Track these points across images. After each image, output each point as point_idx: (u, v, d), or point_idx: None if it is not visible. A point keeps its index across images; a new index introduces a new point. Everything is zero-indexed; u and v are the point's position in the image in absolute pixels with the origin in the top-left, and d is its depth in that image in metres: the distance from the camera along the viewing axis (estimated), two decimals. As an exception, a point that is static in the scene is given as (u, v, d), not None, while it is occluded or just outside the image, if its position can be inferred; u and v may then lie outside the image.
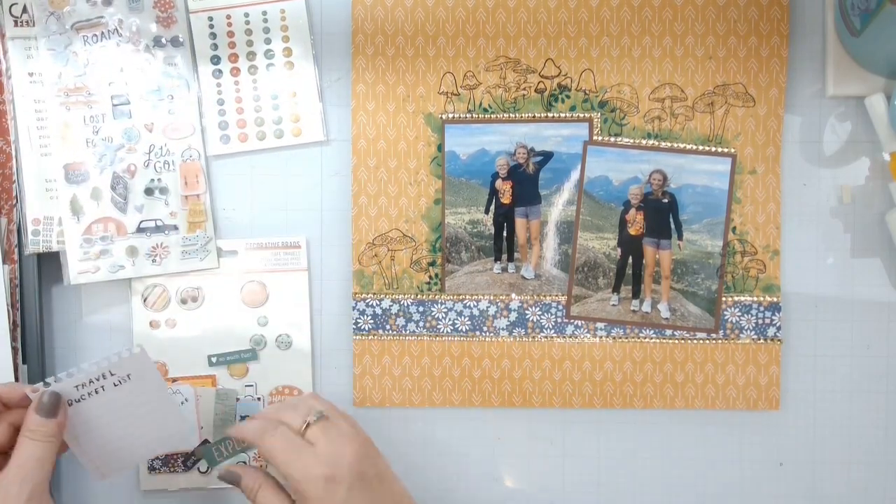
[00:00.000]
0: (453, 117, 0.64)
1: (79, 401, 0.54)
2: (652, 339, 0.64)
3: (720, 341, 0.64)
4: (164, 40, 0.64)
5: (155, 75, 0.64)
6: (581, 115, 0.64)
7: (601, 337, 0.65)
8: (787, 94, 0.64)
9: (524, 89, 0.64)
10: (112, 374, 0.53)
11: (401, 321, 0.65)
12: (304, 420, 0.54)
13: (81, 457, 0.56)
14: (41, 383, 0.53)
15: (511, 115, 0.64)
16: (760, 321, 0.64)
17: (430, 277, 0.65)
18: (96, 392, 0.54)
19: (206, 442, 0.65)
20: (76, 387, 0.53)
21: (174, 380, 0.65)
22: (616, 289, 0.64)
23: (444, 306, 0.65)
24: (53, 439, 0.52)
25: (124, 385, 0.54)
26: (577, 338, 0.65)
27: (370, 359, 0.65)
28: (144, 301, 0.65)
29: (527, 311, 0.65)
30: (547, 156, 0.64)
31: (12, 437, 0.53)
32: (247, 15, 0.64)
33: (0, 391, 0.53)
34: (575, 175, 0.64)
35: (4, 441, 0.53)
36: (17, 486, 0.50)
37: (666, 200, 0.64)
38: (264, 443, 0.53)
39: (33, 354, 0.62)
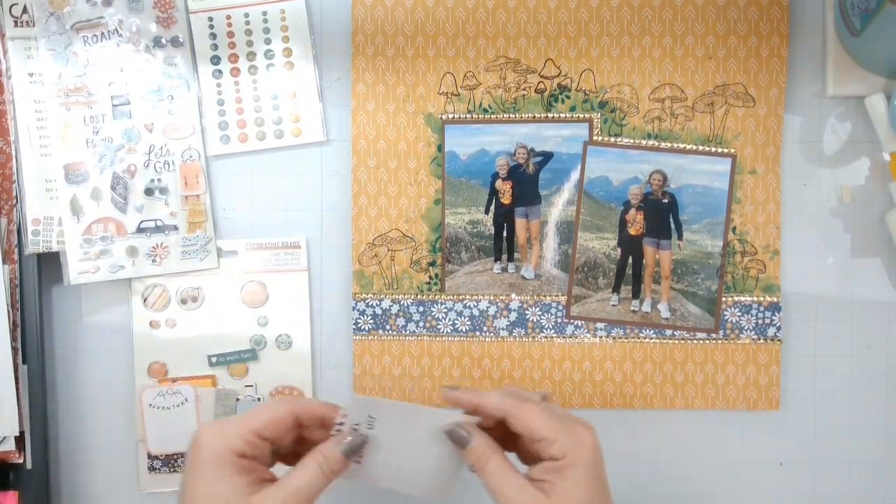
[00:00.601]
0: (453, 117, 0.64)
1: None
2: (652, 339, 0.64)
3: (720, 341, 0.64)
4: (164, 40, 0.64)
5: (155, 75, 0.64)
6: (581, 116, 0.64)
7: (601, 337, 0.65)
8: (787, 94, 0.64)
9: (524, 89, 0.64)
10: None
11: (401, 321, 0.65)
12: (542, 396, 0.51)
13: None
14: (344, 407, 0.49)
15: (511, 115, 0.64)
16: (760, 321, 0.64)
17: (430, 277, 0.65)
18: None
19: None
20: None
21: (174, 380, 0.65)
22: (616, 289, 0.64)
23: (444, 306, 0.65)
24: (335, 476, 0.48)
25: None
26: (577, 338, 0.65)
27: (370, 359, 0.65)
28: (144, 301, 0.65)
29: (527, 312, 0.65)
30: (547, 156, 0.64)
31: (298, 445, 0.50)
32: (247, 15, 0.64)
33: (298, 411, 0.49)
34: (575, 175, 0.64)
35: (289, 444, 0.50)
36: None
37: (666, 200, 0.64)
38: (520, 410, 0.49)
39: (33, 354, 0.62)
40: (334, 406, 0.50)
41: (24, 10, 0.62)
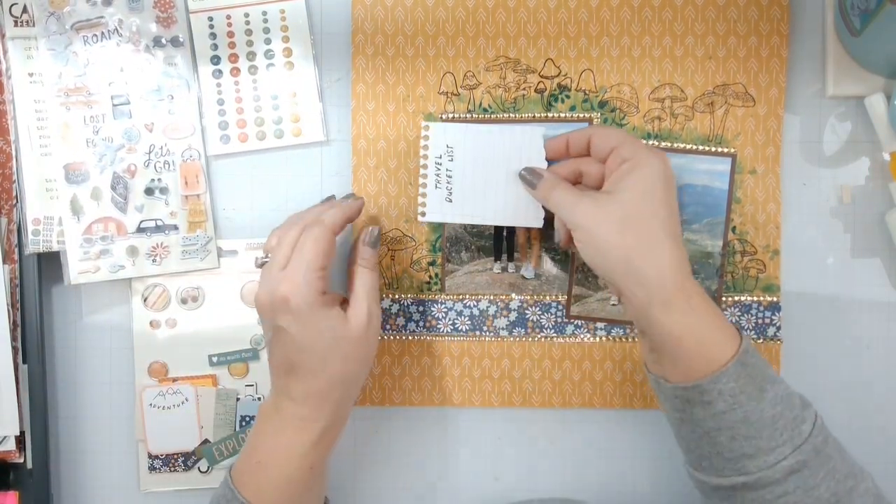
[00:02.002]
0: (453, 117, 0.64)
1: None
2: (652, 338, 0.64)
3: (720, 341, 0.64)
4: (164, 40, 0.64)
5: (155, 75, 0.64)
6: (581, 115, 0.64)
7: (601, 337, 0.65)
8: (787, 94, 0.64)
9: (524, 89, 0.64)
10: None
11: (401, 321, 0.65)
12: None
13: None
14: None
15: (511, 115, 0.64)
16: (760, 321, 0.64)
17: (430, 277, 0.65)
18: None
19: (206, 442, 0.65)
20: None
21: (174, 379, 0.65)
22: (616, 289, 0.64)
23: (444, 306, 0.65)
24: (377, 268, 0.58)
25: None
26: (577, 338, 0.65)
27: (370, 359, 0.65)
28: (144, 301, 0.65)
29: (527, 311, 0.65)
30: (547, 156, 0.64)
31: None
32: (247, 15, 0.64)
33: (335, 228, 0.55)
34: (575, 175, 0.64)
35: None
36: (370, 309, 0.55)
37: (666, 200, 0.64)
38: (601, 128, 0.58)
39: (33, 354, 0.62)
40: (358, 199, 0.59)
41: (24, 10, 0.62)
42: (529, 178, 0.58)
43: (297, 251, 0.53)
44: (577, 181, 0.58)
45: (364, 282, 0.56)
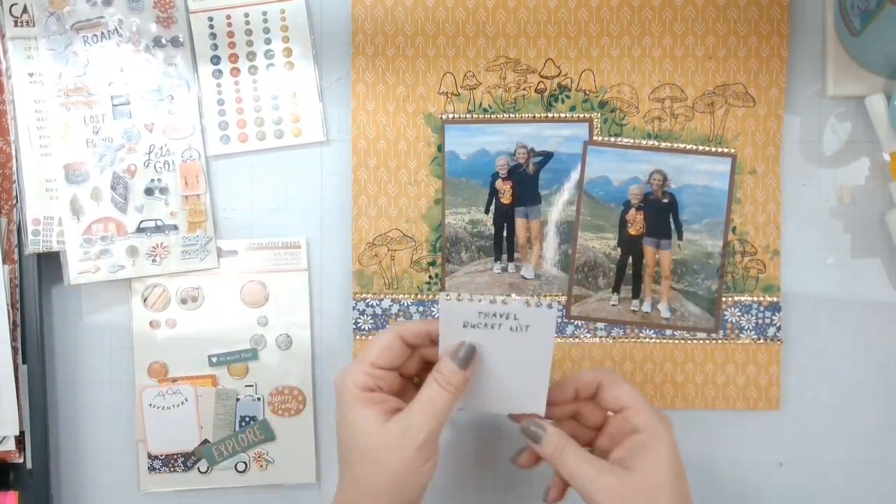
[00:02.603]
0: (453, 117, 0.64)
1: (473, 327, 0.51)
2: (652, 339, 0.64)
3: (720, 341, 0.64)
4: (164, 40, 0.64)
5: (155, 75, 0.64)
6: (581, 116, 0.64)
7: (601, 337, 0.65)
8: (787, 94, 0.64)
9: (524, 89, 0.64)
10: (516, 319, 0.51)
11: (401, 321, 0.65)
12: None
13: None
14: (445, 295, 0.50)
15: (511, 115, 0.64)
16: (760, 321, 0.64)
17: (430, 277, 0.65)
18: (490, 327, 0.51)
19: (205, 442, 0.65)
20: (479, 313, 0.51)
21: (174, 380, 0.65)
22: (616, 289, 0.64)
23: (444, 306, 0.65)
24: (458, 391, 0.50)
25: (518, 333, 0.51)
26: (577, 338, 0.65)
27: (370, 359, 0.65)
28: (144, 301, 0.65)
29: (527, 311, 0.65)
30: (547, 156, 0.64)
31: (423, 369, 0.54)
32: (247, 15, 0.64)
33: (402, 332, 0.52)
34: (575, 175, 0.64)
35: (415, 371, 0.55)
36: (418, 425, 0.49)
37: (666, 200, 0.64)
38: (613, 381, 0.53)
39: (33, 354, 0.62)
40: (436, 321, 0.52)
41: (24, 10, 0.62)
42: (534, 430, 0.52)
43: (368, 345, 0.53)
44: (572, 416, 0.56)
45: (431, 397, 0.50)
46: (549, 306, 0.50)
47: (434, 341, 0.53)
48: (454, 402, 0.50)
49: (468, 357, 0.51)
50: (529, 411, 0.54)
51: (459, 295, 0.50)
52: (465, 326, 0.51)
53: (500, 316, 0.51)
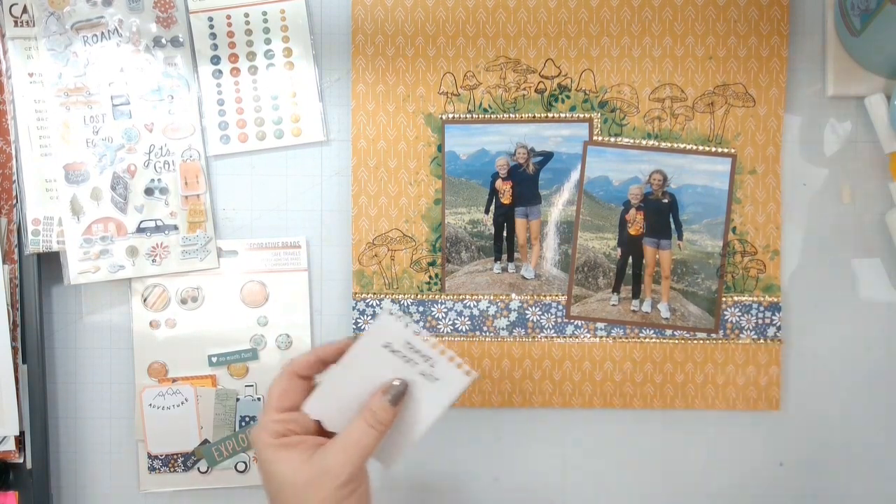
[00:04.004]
0: (453, 117, 0.64)
1: (391, 352, 0.51)
2: (652, 339, 0.64)
3: (720, 341, 0.64)
4: (164, 40, 0.64)
5: (155, 75, 0.64)
6: (581, 116, 0.64)
7: (601, 337, 0.65)
8: (787, 94, 0.64)
9: (524, 89, 0.64)
10: (432, 367, 0.51)
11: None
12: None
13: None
14: (391, 310, 0.50)
15: (511, 115, 0.64)
16: (760, 321, 0.64)
17: (430, 277, 0.65)
18: (405, 360, 0.51)
19: (205, 442, 0.65)
20: (407, 342, 0.50)
21: (174, 380, 0.65)
22: (616, 289, 0.64)
23: (444, 306, 0.65)
24: (386, 428, 0.50)
25: (428, 383, 0.51)
26: (577, 338, 0.65)
27: (370, 359, 0.65)
28: (144, 301, 0.65)
29: (527, 311, 0.65)
30: (547, 156, 0.64)
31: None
32: (247, 15, 0.64)
33: (297, 370, 0.52)
34: (575, 175, 0.64)
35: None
36: (341, 465, 0.49)
37: (666, 200, 0.64)
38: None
39: (33, 354, 0.62)
40: (333, 347, 0.52)
41: (24, 10, 0.62)
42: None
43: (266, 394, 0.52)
44: None
45: (357, 438, 0.50)
46: (468, 373, 0.50)
47: (327, 363, 0.53)
48: (380, 440, 0.50)
49: (401, 394, 0.51)
50: (380, 459, 0.53)
51: (403, 318, 0.50)
52: (384, 347, 0.51)
53: (422, 356, 0.51)
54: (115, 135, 0.63)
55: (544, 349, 0.65)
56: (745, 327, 0.64)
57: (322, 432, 0.52)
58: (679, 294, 0.64)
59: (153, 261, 0.64)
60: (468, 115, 0.64)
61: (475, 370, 0.51)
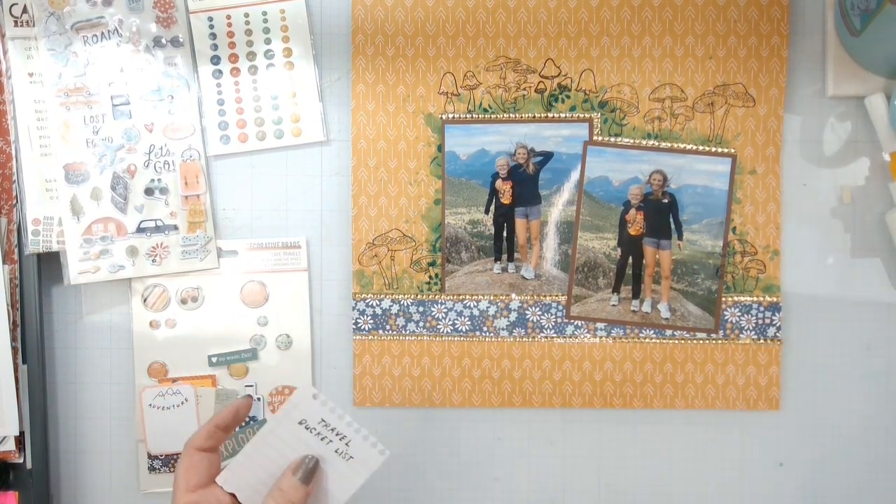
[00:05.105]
0: (453, 117, 0.64)
1: (306, 429, 0.51)
2: (652, 339, 0.64)
3: (720, 341, 0.64)
4: (164, 40, 0.64)
5: (155, 75, 0.64)
6: (581, 116, 0.64)
7: (601, 337, 0.65)
8: (787, 94, 0.64)
9: (524, 89, 0.64)
10: (347, 445, 0.51)
11: (401, 321, 0.65)
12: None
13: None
14: (310, 389, 0.50)
15: (511, 115, 0.64)
16: (760, 321, 0.64)
17: (430, 277, 0.65)
18: (320, 438, 0.51)
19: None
20: (321, 420, 0.51)
21: (174, 380, 0.65)
22: (616, 289, 0.64)
23: (444, 306, 0.65)
24: None
25: (342, 461, 0.51)
26: (577, 338, 0.65)
27: (370, 359, 0.65)
28: (144, 301, 0.65)
29: (527, 311, 0.65)
30: (547, 156, 0.64)
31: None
32: (247, 15, 0.64)
33: (200, 445, 0.51)
34: (575, 175, 0.64)
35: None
36: None
37: (666, 200, 0.64)
38: None
39: (33, 354, 0.62)
40: (228, 410, 0.52)
41: (24, 10, 0.62)
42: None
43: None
44: None
45: None
46: (382, 452, 0.51)
47: (226, 429, 0.52)
48: None
49: (310, 472, 0.50)
50: None
51: (320, 396, 0.51)
52: (300, 424, 0.51)
53: (337, 434, 0.51)
54: (115, 135, 0.63)
55: (544, 349, 0.65)
56: (745, 327, 0.64)
57: None
58: (679, 294, 0.64)
59: (153, 261, 0.64)
60: (468, 115, 0.64)
61: (387, 449, 0.52)
